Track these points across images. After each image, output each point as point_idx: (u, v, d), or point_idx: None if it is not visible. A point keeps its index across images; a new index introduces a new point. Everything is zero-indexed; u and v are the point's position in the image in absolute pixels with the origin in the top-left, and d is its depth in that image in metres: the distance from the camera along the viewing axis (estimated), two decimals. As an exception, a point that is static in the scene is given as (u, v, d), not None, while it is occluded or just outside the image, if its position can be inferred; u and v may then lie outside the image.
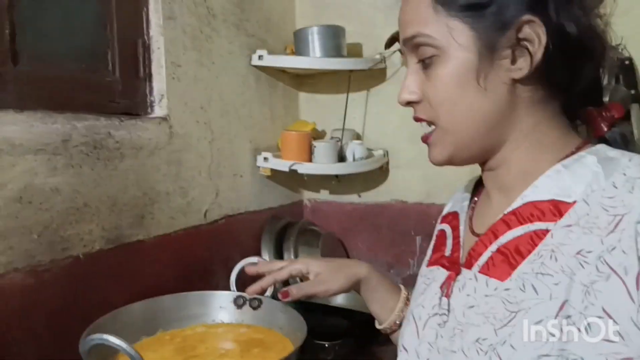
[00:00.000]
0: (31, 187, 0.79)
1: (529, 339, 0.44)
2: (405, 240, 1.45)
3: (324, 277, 0.74)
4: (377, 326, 0.75)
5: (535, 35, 0.48)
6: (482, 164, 0.56)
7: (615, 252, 0.42)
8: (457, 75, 0.50)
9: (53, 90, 0.88)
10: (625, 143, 0.53)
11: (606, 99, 1.16)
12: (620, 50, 1.22)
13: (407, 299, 0.73)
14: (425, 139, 0.56)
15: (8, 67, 0.81)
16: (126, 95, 1.03)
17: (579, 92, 0.52)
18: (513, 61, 0.49)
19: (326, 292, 0.73)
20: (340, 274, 0.73)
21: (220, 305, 0.88)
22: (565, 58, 0.49)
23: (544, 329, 0.43)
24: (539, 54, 0.48)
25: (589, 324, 0.41)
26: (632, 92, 1.17)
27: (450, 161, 0.55)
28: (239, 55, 1.33)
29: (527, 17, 0.48)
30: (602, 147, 0.50)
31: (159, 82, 1.08)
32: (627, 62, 1.17)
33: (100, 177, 0.92)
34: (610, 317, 0.40)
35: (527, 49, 0.48)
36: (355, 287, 0.75)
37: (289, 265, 0.76)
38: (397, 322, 0.72)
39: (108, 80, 1.00)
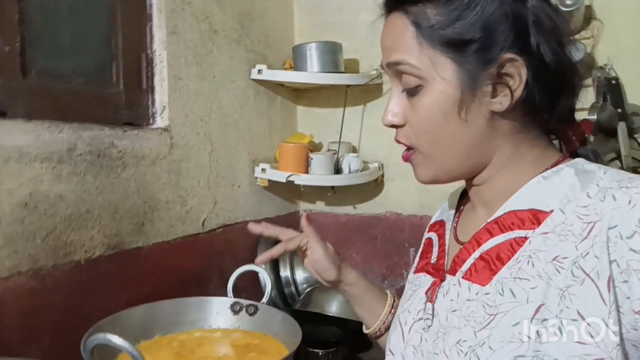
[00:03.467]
0: (37, 194, 0.82)
1: (506, 341, 0.46)
2: (399, 251, 1.47)
3: (320, 266, 0.75)
4: (364, 330, 0.77)
5: (517, 72, 0.50)
6: (467, 180, 0.59)
7: (589, 257, 0.44)
8: (439, 107, 0.52)
9: (60, 101, 0.91)
10: (596, 157, 0.56)
11: (594, 117, 1.20)
12: (607, 70, 1.27)
13: (393, 305, 0.74)
14: (406, 159, 0.58)
15: (18, 80, 0.84)
16: (129, 106, 1.06)
17: (557, 117, 0.54)
18: (494, 95, 0.51)
19: (317, 279, 0.76)
20: (334, 268, 0.74)
21: (217, 311, 0.90)
22: (545, 90, 0.51)
23: (520, 331, 0.45)
24: (519, 90, 0.50)
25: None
26: (619, 110, 1.21)
27: (435, 181, 0.57)
28: (239, 70, 1.37)
29: (509, 55, 0.49)
30: (580, 161, 0.52)
31: (161, 94, 1.12)
32: (613, 82, 1.22)
33: (103, 185, 0.95)
34: (584, 320, 0.43)
35: (508, 85, 0.50)
36: (341, 287, 0.76)
37: (299, 237, 0.76)
38: (382, 327, 0.74)
39: (112, 92, 1.04)
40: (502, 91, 0.51)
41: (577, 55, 1.24)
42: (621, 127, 1.19)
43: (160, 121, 1.12)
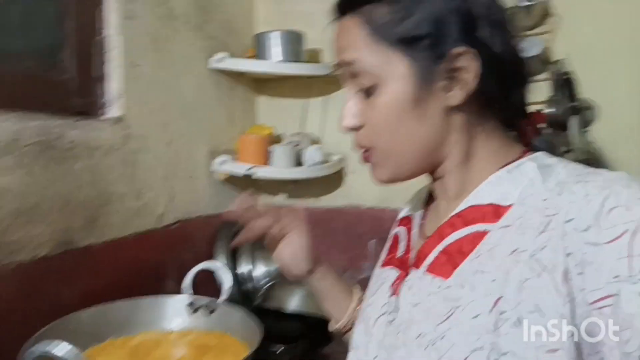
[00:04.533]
0: (-22, 188, 0.77)
1: (464, 334, 0.46)
2: (359, 244, 1.48)
3: (298, 257, 0.72)
4: (330, 328, 0.76)
5: (468, 65, 0.50)
6: (430, 174, 0.59)
7: (546, 250, 0.45)
8: (395, 104, 0.52)
9: (6, 86, 0.85)
10: (552, 148, 0.57)
11: (549, 110, 1.24)
12: (562, 65, 1.30)
13: (360, 300, 0.74)
14: (366, 159, 0.58)
15: (-44, 63, 0.78)
16: (81, 94, 1.01)
17: (511, 108, 0.56)
18: (448, 89, 0.52)
19: (285, 272, 0.73)
20: (310, 260, 0.73)
21: (173, 311, 0.87)
22: (498, 82, 0.52)
23: (479, 324, 0.46)
24: (472, 83, 0.51)
25: (521, 319, 0.44)
26: (572, 104, 1.25)
27: (393, 180, 0.57)
28: (199, 58, 1.32)
29: (460, 48, 0.50)
30: (541, 155, 0.53)
31: (117, 81, 1.06)
32: (566, 77, 1.25)
33: (53, 177, 0.89)
34: (540, 312, 0.43)
35: (461, 78, 0.51)
36: (309, 281, 0.74)
37: (280, 223, 0.72)
38: (350, 322, 0.73)
39: (63, 78, 0.98)
40: (456, 85, 0.51)
41: (534, 50, 1.27)
42: (573, 121, 1.23)
43: (115, 110, 1.06)
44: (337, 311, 0.74)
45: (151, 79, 1.14)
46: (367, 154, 0.57)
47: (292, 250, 0.72)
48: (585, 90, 1.23)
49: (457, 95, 0.52)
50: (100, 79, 1.05)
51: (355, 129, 0.56)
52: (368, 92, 0.53)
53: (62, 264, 0.90)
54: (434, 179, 0.59)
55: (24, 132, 0.84)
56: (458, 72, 0.51)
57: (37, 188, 0.86)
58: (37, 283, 0.85)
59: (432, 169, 0.57)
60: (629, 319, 0.40)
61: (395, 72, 0.51)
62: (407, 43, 0.51)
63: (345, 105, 0.56)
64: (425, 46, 0.50)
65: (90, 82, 1.03)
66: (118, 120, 1.05)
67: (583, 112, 1.27)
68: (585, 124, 1.28)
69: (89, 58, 1.03)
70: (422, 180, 0.69)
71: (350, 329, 0.73)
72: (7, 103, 0.83)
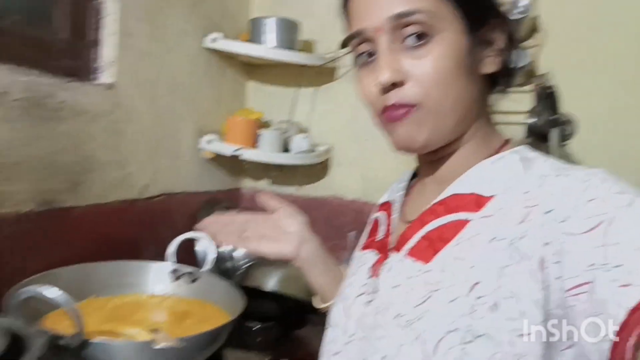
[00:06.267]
0: (-38, 136, 0.75)
1: (441, 315, 0.48)
2: (339, 234, 1.49)
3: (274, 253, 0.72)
4: (318, 305, 0.74)
5: (502, 37, 0.53)
6: (426, 156, 0.58)
7: (525, 239, 0.47)
8: (454, 57, 0.51)
9: (-3, 38, 0.83)
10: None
11: (535, 119, 1.27)
12: (546, 78, 1.34)
13: None
14: (398, 118, 0.53)
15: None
16: (73, 56, 0.99)
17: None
18: (485, 57, 0.54)
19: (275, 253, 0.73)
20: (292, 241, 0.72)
21: (155, 277, 0.87)
22: (510, 66, 0.55)
23: (456, 307, 0.47)
24: (503, 55, 0.53)
25: (496, 303, 0.46)
26: (553, 117, 1.29)
27: (425, 145, 0.54)
28: (192, 35, 1.31)
29: (501, 19, 0.53)
30: (523, 148, 0.55)
31: (109, 48, 1.05)
32: (549, 90, 1.30)
33: (38, 136, 0.87)
34: (516, 298, 0.45)
35: (497, 47, 0.53)
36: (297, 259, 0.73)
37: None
38: None
39: (55, 39, 0.96)
40: (491, 53, 0.53)
41: (523, 62, 1.31)
42: (553, 133, 1.28)
43: (106, 77, 1.05)
44: (327, 289, 0.72)
45: (143, 50, 1.13)
46: (404, 112, 0.52)
47: (275, 243, 0.71)
48: (567, 104, 1.27)
49: (492, 63, 0.53)
50: (93, 43, 1.04)
51: (396, 84, 0.52)
52: (420, 43, 0.51)
53: (43, 222, 0.88)
54: (429, 161, 0.59)
55: (14, 86, 0.82)
56: (495, 41, 0.53)
57: (20, 144, 0.84)
58: (19, 237, 0.83)
59: (445, 143, 0.55)
60: (602, 305, 0.41)
61: (452, 25, 0.51)
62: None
63: (381, 60, 0.52)
64: (480, 6, 0.52)
65: (83, 45, 1.02)
66: (109, 86, 1.04)
67: (563, 125, 1.31)
68: (565, 137, 1.32)
69: (83, 21, 1.02)
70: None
71: None
72: (-2, 55, 0.81)
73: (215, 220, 0.74)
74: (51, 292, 0.53)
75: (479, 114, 0.56)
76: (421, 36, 0.51)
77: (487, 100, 0.57)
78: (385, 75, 0.51)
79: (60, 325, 0.67)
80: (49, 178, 0.90)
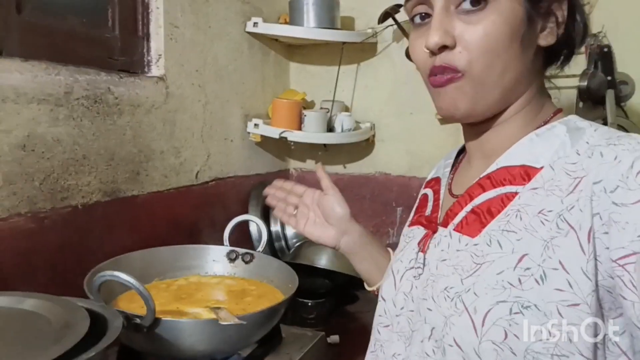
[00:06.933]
0: (34, 136, 0.81)
1: (490, 287, 0.48)
2: (386, 210, 1.51)
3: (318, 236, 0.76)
4: (367, 287, 0.77)
5: (561, 12, 0.52)
6: (472, 128, 0.59)
7: (574, 210, 0.46)
8: (508, 25, 0.50)
9: (56, 41, 0.89)
10: None
11: (584, 83, 1.22)
12: (600, 38, 1.28)
13: None
14: (444, 83, 0.53)
15: (12, 16, 0.82)
16: (125, 52, 1.04)
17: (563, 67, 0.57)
18: (543, 28, 0.52)
19: (316, 238, 0.77)
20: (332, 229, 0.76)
21: (214, 259, 0.92)
22: (569, 40, 0.54)
23: (503, 279, 0.48)
24: (562, 28, 0.52)
25: (544, 275, 0.46)
26: (609, 78, 1.23)
27: (468, 113, 0.54)
28: (234, 22, 1.34)
29: None
30: (573, 118, 0.54)
31: (157, 42, 1.10)
32: (605, 50, 1.23)
33: (100, 131, 0.94)
34: (564, 269, 0.45)
35: (557, 20, 0.52)
36: (342, 244, 0.76)
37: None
38: None
39: (107, 36, 1.01)
40: (550, 25, 0.52)
41: (585, 36, 1.25)
42: (609, 95, 1.22)
43: (156, 70, 1.10)
44: (375, 273, 0.75)
45: (189, 40, 1.17)
46: (448, 77, 0.52)
47: (319, 228, 0.76)
48: (621, 64, 1.21)
49: (549, 36, 0.52)
50: (142, 38, 1.09)
51: (445, 47, 0.51)
52: (474, 9, 0.50)
53: (109, 211, 0.95)
54: (475, 135, 0.59)
55: (75, 86, 0.88)
56: (554, 14, 0.52)
57: (85, 140, 0.91)
58: (88, 226, 0.91)
59: (490, 114, 0.55)
60: None
61: None
62: None
63: (434, 22, 0.51)
64: None
65: (133, 41, 1.07)
66: (159, 79, 1.09)
67: (619, 86, 1.25)
68: (622, 98, 1.26)
69: (134, 17, 1.06)
70: (447, 150, 0.71)
71: None
72: (58, 56, 0.87)
73: (280, 186, 0.82)
74: (126, 276, 0.58)
75: (530, 85, 0.55)
76: (477, 1, 0.50)
77: (542, 72, 0.56)
78: (435, 37, 0.51)
79: (130, 306, 0.74)
80: (112, 169, 0.97)
